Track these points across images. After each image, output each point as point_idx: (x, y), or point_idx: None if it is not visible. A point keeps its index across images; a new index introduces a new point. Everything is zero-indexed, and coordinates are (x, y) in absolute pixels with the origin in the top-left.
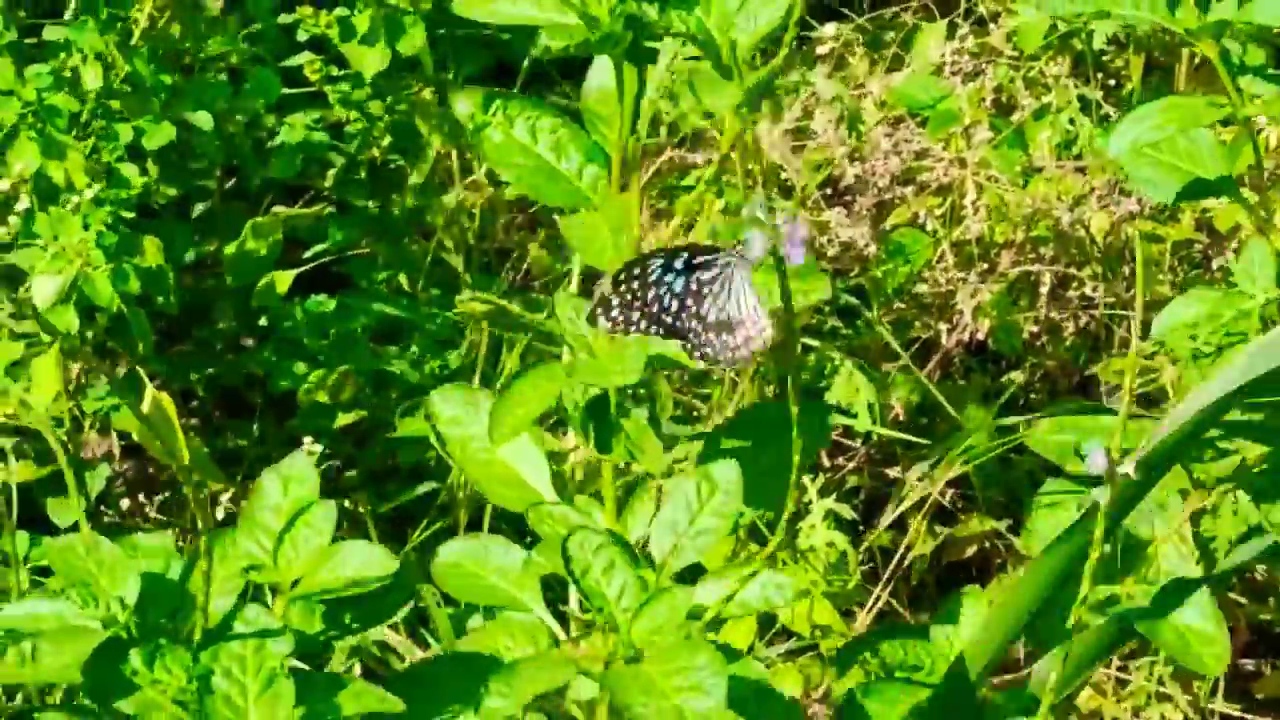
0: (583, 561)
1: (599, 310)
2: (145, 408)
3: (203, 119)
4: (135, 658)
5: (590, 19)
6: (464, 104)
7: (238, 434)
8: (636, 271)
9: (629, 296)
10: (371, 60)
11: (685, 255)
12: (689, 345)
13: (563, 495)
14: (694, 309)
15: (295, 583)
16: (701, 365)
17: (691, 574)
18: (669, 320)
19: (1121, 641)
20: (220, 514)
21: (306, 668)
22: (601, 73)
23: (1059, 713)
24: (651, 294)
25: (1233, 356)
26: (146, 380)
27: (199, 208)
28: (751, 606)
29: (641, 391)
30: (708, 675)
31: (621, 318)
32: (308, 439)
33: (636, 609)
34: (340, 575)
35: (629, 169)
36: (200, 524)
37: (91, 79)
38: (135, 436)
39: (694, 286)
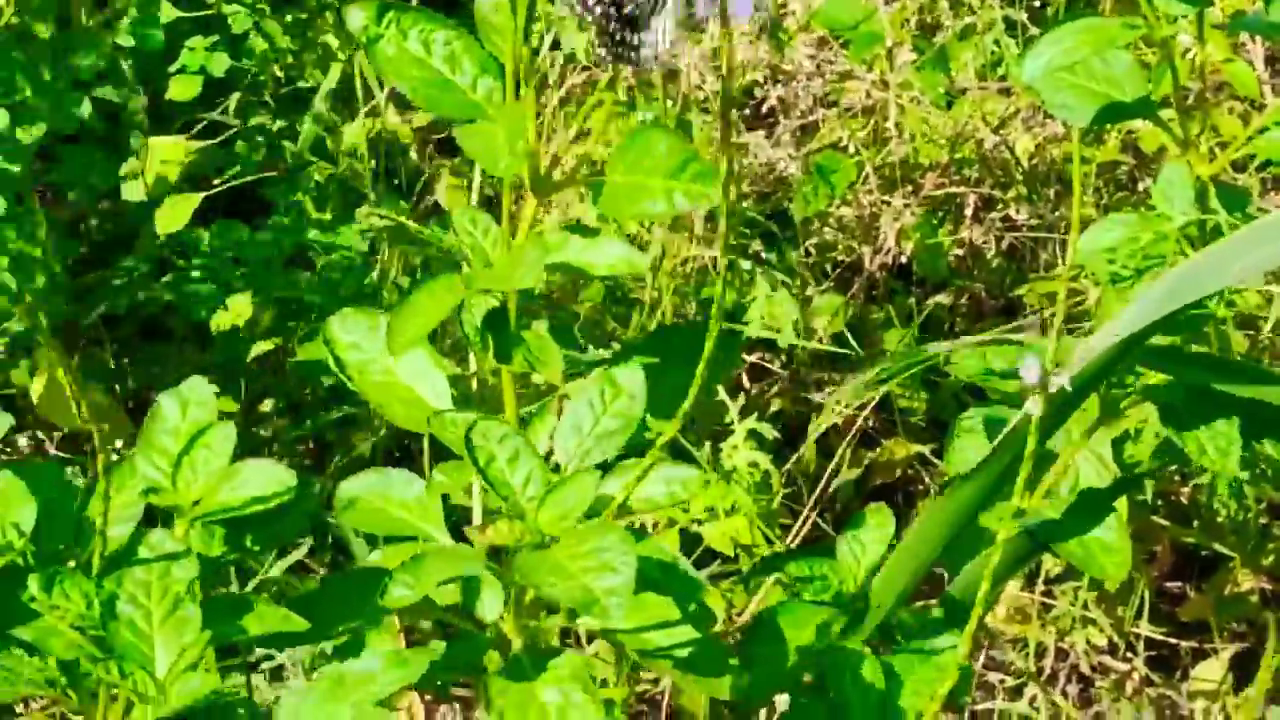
0: (486, 451)
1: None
2: (38, 389)
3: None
4: (33, 584)
5: None
6: (357, 16)
7: (161, 362)
8: None
9: None
10: None
11: None
12: (600, 40)
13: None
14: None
15: (195, 504)
16: (607, 59)
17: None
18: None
19: (1030, 555)
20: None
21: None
22: None
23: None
24: None
25: (1149, 282)
26: (49, 349)
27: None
28: (656, 502)
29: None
30: (617, 554)
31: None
32: None
33: (543, 496)
34: (241, 494)
35: (523, 79)
36: (99, 445)
37: None
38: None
39: None
